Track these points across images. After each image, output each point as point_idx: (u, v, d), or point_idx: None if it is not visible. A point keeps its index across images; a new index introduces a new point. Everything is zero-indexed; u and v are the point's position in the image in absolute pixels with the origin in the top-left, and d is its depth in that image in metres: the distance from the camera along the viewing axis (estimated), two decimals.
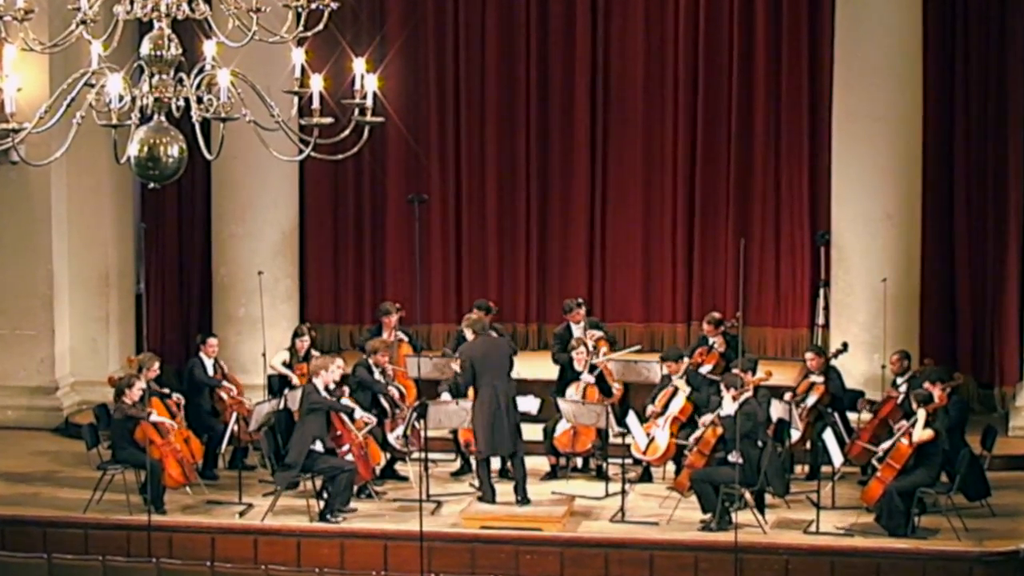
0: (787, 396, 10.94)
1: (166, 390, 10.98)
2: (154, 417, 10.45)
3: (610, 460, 11.14)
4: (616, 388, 11.39)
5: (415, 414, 10.73)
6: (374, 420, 10.79)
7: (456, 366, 10.87)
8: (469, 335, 10.84)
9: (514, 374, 10.84)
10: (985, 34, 12.96)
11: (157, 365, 10.93)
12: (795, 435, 10.73)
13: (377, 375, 11.23)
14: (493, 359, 10.51)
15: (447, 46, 14.15)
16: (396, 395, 11.25)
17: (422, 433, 10.74)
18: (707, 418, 10.32)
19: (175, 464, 10.47)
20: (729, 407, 9.99)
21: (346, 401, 10.67)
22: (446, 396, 11.10)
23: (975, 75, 12.99)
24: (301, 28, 5.75)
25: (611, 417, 10.67)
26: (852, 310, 12.56)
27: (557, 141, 14.17)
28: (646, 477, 11.22)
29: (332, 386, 10.50)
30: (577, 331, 11.72)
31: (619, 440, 11.01)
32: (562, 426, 11.08)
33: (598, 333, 11.82)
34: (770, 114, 13.61)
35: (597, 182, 14.12)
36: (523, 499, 10.41)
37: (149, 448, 10.25)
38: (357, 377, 11.14)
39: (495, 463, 10.91)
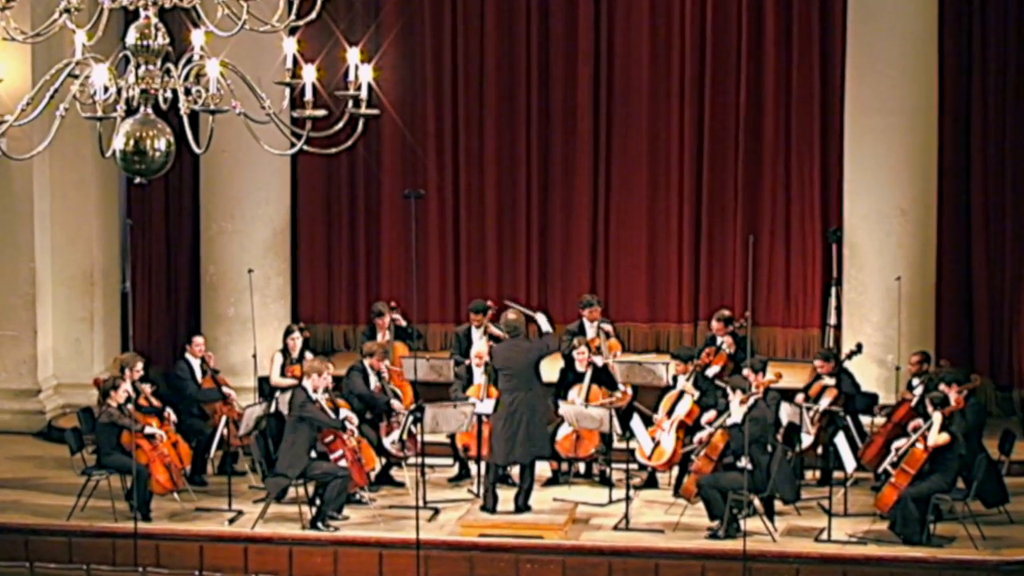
0: (798, 399, 10.94)
1: (146, 388, 10.95)
2: (148, 429, 10.45)
3: (614, 465, 11.15)
4: (622, 392, 11.39)
5: (411, 418, 10.73)
6: (355, 429, 10.71)
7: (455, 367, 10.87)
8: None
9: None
10: (1003, 23, 12.95)
11: (140, 365, 10.94)
12: (806, 439, 10.73)
13: (373, 378, 11.24)
14: (514, 366, 10.44)
15: (445, 35, 14.14)
16: (395, 403, 11.26)
17: (419, 437, 10.74)
18: (708, 415, 10.32)
19: (162, 469, 10.48)
20: (737, 412, 9.99)
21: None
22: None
23: (992, 65, 12.99)
24: (293, 17, 5.75)
25: (614, 420, 10.67)
26: (865, 309, 12.57)
27: (559, 134, 14.17)
28: (651, 483, 11.22)
29: (322, 390, 10.47)
30: (591, 329, 11.73)
31: (623, 444, 11.02)
32: (564, 430, 11.09)
33: (609, 329, 11.85)
34: (780, 107, 13.60)
35: (600, 177, 14.11)
36: (522, 507, 10.40)
37: (136, 453, 10.26)
38: (351, 383, 11.15)
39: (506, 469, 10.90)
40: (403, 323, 12.30)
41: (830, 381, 11.11)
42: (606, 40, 14.01)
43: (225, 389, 11.53)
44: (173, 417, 10.92)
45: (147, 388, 10.99)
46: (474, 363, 11.29)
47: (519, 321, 10.80)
